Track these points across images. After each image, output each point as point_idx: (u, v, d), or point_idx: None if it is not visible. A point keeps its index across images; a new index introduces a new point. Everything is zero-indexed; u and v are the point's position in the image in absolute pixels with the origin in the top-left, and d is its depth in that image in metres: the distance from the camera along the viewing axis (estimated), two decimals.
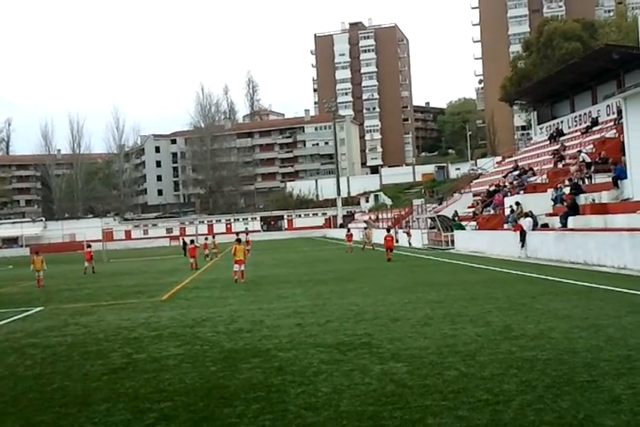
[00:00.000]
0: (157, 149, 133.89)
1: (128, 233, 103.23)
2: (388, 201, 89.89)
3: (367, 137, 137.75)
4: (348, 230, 43.95)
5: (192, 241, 35.68)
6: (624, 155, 26.96)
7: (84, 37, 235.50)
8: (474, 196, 47.74)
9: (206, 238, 42.93)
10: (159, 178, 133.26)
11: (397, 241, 43.14)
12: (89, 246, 36.57)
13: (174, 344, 10.71)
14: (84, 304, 18.30)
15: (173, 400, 7.11)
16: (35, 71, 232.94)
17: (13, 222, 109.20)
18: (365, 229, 43.66)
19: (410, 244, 41.29)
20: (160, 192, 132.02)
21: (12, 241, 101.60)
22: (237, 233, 43.55)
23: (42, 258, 27.69)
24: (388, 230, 34.20)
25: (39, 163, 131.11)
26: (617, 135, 31.84)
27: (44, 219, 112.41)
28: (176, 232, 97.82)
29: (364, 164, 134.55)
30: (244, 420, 6.20)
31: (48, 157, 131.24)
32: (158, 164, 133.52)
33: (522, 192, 33.19)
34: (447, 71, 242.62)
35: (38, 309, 17.73)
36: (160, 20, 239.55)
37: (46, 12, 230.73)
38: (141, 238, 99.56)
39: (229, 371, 8.40)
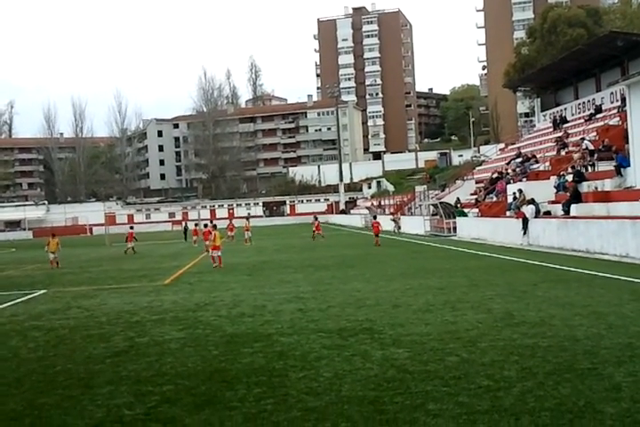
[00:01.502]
0: (160, 134, 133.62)
1: (130, 217, 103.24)
2: (391, 187, 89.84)
3: (370, 123, 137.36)
4: (316, 219, 43.81)
5: (206, 225, 36.74)
6: (627, 143, 26.89)
7: (87, 21, 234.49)
8: (476, 183, 47.73)
9: (196, 224, 43.28)
10: (161, 162, 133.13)
11: (400, 228, 43.24)
12: (131, 228, 39.22)
13: (176, 328, 10.75)
14: (87, 288, 18.38)
15: (175, 384, 7.16)
16: (37, 54, 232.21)
17: (16, 206, 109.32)
18: (316, 219, 43.51)
19: (395, 231, 41.50)
20: (162, 176, 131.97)
21: (14, 224, 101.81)
22: (248, 217, 44.10)
23: (57, 240, 28.50)
24: (375, 217, 34.95)
25: (42, 146, 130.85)
26: (620, 123, 31.71)
27: (46, 202, 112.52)
28: (178, 217, 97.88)
29: (366, 150, 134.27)
30: (246, 404, 6.24)
31: (51, 140, 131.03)
32: (161, 148, 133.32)
33: (524, 179, 33.15)
34: (450, 57, 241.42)
35: (41, 292, 17.80)
36: (162, 4, 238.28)
37: None
38: (144, 223, 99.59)
39: (231, 355, 8.45)
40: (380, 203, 67.60)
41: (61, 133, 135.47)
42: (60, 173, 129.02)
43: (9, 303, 15.46)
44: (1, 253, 47.32)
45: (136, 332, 10.62)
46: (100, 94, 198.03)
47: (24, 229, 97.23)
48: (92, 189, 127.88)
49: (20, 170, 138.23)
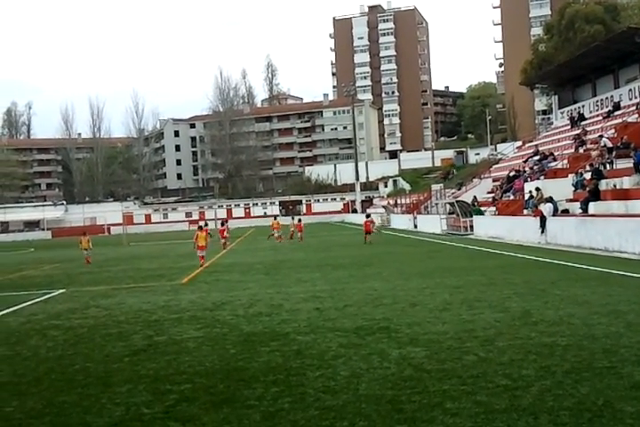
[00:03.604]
0: (176, 134, 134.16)
1: (148, 217, 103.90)
2: (407, 186, 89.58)
3: (386, 121, 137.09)
4: (275, 218, 43.64)
5: (222, 223, 37.74)
6: None
7: (105, 22, 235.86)
8: (493, 181, 47.49)
9: (222, 224, 43.67)
10: (178, 162, 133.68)
11: (416, 226, 43.09)
12: (222, 224, 38.84)
13: (194, 327, 10.80)
14: (105, 287, 18.50)
15: (193, 382, 7.19)
16: (55, 55, 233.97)
17: (35, 206, 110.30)
18: (299, 220, 43.36)
19: (376, 230, 41.56)
20: (179, 176, 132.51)
21: (33, 224, 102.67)
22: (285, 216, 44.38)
23: (88, 238, 30.13)
24: (368, 216, 35.85)
25: (60, 146, 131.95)
26: (639, 120, 31.45)
27: (65, 202, 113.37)
28: (195, 216, 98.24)
29: (382, 148, 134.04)
30: (264, 402, 6.25)
31: (69, 140, 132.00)
32: (177, 148, 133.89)
33: (542, 177, 32.94)
34: (467, 55, 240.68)
35: (60, 291, 17.94)
36: (179, 5, 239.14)
37: None
38: (161, 222, 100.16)
39: (249, 354, 8.47)
40: (396, 202, 67.43)
41: (79, 134, 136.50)
42: (77, 173, 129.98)
43: (28, 303, 15.59)
44: (20, 253, 47.78)
45: (154, 331, 10.68)
46: (118, 95, 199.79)
47: (43, 230, 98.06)
48: (109, 189, 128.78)
49: (39, 170, 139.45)
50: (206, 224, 38.37)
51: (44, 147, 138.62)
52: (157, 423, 5.87)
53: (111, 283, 19.74)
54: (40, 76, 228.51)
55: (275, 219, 43.32)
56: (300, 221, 42.52)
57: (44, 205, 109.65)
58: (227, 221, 41.14)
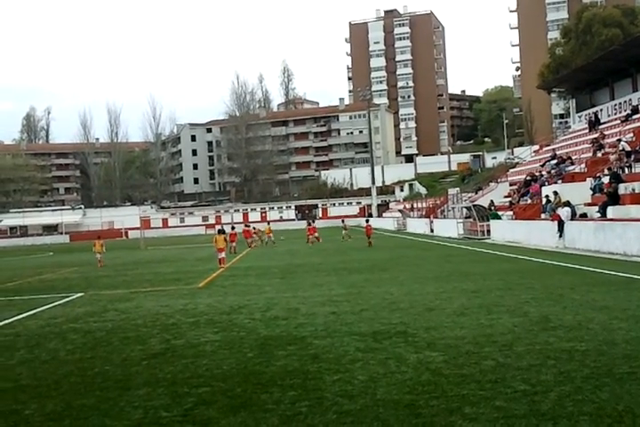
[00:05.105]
0: (193, 138, 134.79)
1: (165, 221, 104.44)
2: (423, 190, 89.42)
3: (402, 125, 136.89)
4: (268, 223, 44.22)
5: (233, 227, 38.39)
6: None
7: (122, 28, 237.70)
8: (510, 185, 47.26)
9: (233, 228, 44.21)
10: (195, 166, 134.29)
11: (432, 231, 42.86)
12: (232, 228, 38.97)
13: (211, 331, 10.82)
14: (123, 291, 18.59)
15: (211, 386, 7.21)
16: (73, 61, 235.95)
17: (53, 210, 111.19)
18: (309, 224, 43.18)
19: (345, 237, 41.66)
20: (196, 181, 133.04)
21: (52, 228, 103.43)
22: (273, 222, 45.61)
23: (102, 242, 31.43)
24: (367, 220, 36.80)
25: (78, 151, 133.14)
26: None
27: (83, 206, 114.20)
28: (212, 220, 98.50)
29: (398, 152, 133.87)
30: (281, 406, 6.25)
31: (87, 145, 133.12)
32: (194, 152, 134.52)
33: (560, 181, 32.74)
34: (483, 58, 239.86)
35: (78, 295, 18.05)
36: (196, 9, 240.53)
37: (82, 2, 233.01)
38: (178, 226, 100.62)
39: (266, 358, 8.47)
40: (412, 206, 67.30)
41: (97, 139, 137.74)
42: (95, 177, 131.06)
43: (48, 306, 15.70)
44: (39, 257, 48.16)
45: (172, 334, 10.71)
46: (135, 100, 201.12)
47: (61, 234, 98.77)
48: (127, 194, 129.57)
49: (57, 175, 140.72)
50: (253, 227, 41.37)
51: (63, 151, 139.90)
52: (176, 426, 5.89)
53: (129, 286, 19.83)
54: (59, 83, 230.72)
55: (268, 224, 44.27)
56: (309, 224, 42.74)
57: (62, 210, 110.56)
58: (248, 225, 41.92)
